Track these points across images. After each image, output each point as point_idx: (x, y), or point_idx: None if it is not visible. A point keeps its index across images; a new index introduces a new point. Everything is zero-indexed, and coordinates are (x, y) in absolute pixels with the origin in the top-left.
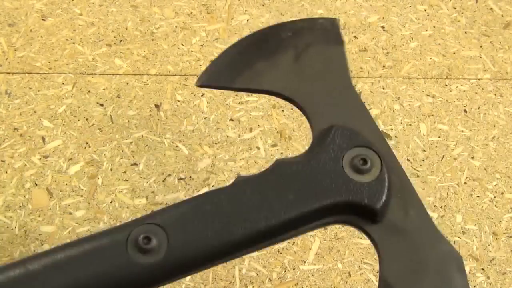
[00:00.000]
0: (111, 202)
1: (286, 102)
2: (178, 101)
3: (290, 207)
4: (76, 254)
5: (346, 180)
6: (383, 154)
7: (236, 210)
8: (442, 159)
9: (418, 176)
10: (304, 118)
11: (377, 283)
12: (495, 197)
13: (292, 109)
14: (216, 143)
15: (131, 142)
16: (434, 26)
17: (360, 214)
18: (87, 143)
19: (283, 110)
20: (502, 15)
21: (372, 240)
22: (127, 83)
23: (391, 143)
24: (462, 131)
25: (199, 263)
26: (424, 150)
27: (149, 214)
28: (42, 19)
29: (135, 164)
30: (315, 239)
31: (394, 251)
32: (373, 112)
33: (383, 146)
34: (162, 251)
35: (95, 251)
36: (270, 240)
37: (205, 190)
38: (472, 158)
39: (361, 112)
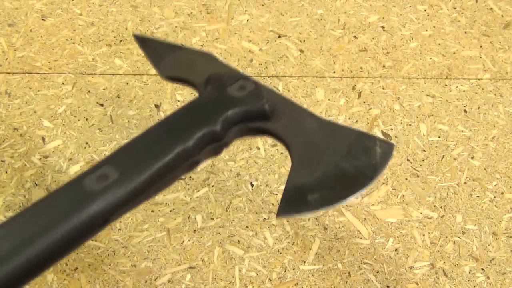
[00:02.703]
0: None
1: None
2: (178, 101)
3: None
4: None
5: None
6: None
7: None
8: (442, 159)
9: (418, 176)
10: None
11: (377, 283)
12: (495, 197)
13: None
14: None
15: None
16: (434, 26)
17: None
18: (87, 143)
19: None
20: (502, 15)
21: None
22: (127, 83)
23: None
24: (462, 131)
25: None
26: (424, 150)
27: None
28: (42, 19)
29: None
30: (315, 239)
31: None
32: (373, 112)
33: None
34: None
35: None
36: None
37: (205, 190)
38: (472, 158)
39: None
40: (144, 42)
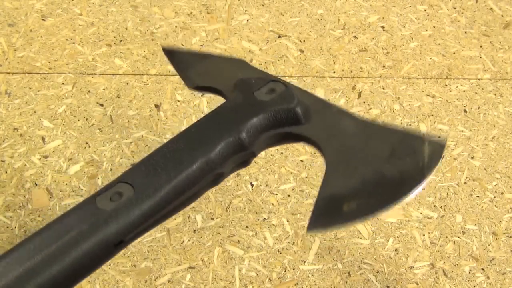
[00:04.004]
0: None
1: None
2: (178, 101)
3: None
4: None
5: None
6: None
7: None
8: (442, 159)
9: None
10: None
11: (377, 283)
12: (495, 197)
13: None
14: None
15: (131, 142)
16: (434, 26)
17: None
18: (87, 143)
19: None
20: (502, 15)
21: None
22: (127, 83)
23: None
24: (462, 131)
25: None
26: None
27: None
28: (42, 19)
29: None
30: (315, 239)
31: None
32: (373, 112)
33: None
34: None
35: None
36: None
37: None
38: (472, 158)
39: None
40: (173, 55)
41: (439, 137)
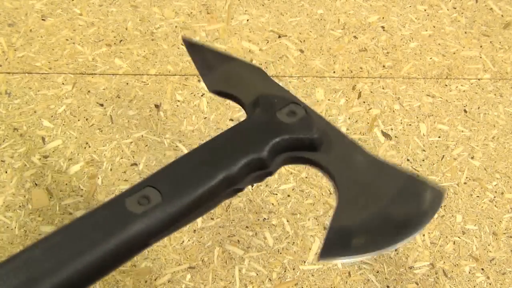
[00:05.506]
0: None
1: None
2: (178, 101)
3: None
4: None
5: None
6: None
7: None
8: (442, 159)
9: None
10: None
11: (377, 283)
12: (495, 197)
13: None
14: None
15: (131, 142)
16: (434, 26)
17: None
18: (87, 143)
19: None
20: (502, 15)
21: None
22: (127, 83)
23: (391, 143)
24: (462, 131)
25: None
26: (424, 150)
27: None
28: (42, 19)
29: (135, 164)
30: (315, 239)
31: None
32: (373, 112)
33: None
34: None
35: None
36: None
37: None
38: (472, 158)
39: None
40: (193, 48)
41: (439, 186)
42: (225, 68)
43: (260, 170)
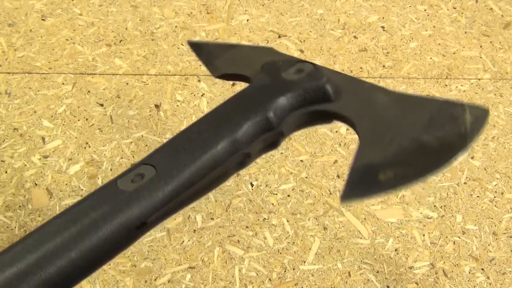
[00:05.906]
0: None
1: None
2: (178, 101)
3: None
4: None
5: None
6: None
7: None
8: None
9: None
10: None
11: (377, 283)
12: (495, 197)
13: None
14: None
15: (131, 142)
16: (434, 26)
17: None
18: (87, 143)
19: None
20: (502, 15)
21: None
22: (127, 83)
23: None
24: None
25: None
26: None
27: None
28: (42, 19)
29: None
30: (315, 239)
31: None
32: None
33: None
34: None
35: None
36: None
37: None
38: (472, 158)
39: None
40: (199, 47)
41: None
42: (231, 53)
43: (269, 132)
